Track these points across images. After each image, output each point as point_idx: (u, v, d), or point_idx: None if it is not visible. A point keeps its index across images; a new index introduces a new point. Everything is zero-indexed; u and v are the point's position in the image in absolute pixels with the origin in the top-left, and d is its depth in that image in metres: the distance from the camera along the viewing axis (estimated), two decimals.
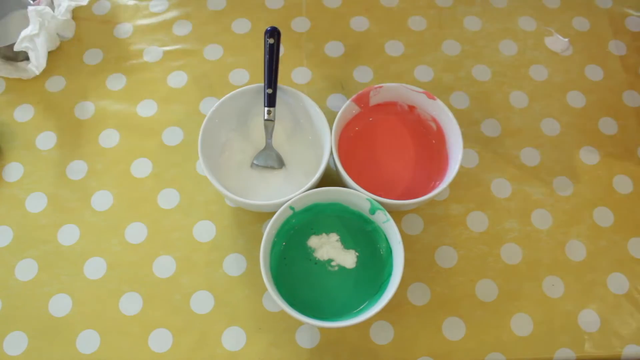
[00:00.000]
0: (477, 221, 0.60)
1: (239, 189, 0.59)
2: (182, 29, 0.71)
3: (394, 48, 0.70)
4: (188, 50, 0.70)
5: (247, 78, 0.68)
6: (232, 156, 0.61)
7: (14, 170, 0.63)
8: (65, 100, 0.67)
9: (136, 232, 0.60)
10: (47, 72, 0.68)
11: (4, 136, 0.64)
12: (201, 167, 0.62)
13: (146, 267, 0.58)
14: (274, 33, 0.59)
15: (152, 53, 0.69)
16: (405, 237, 0.58)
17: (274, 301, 0.51)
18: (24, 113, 0.66)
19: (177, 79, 0.68)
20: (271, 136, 0.60)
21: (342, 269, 0.55)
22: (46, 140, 0.64)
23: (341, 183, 0.57)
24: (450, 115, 0.58)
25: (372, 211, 0.55)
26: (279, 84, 0.60)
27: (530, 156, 0.64)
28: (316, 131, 0.60)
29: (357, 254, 0.56)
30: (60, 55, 0.69)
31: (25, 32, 0.63)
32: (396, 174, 0.60)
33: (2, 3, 0.69)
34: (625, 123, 0.66)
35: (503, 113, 0.66)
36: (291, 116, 0.62)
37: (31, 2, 0.68)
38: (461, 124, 0.58)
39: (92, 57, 0.69)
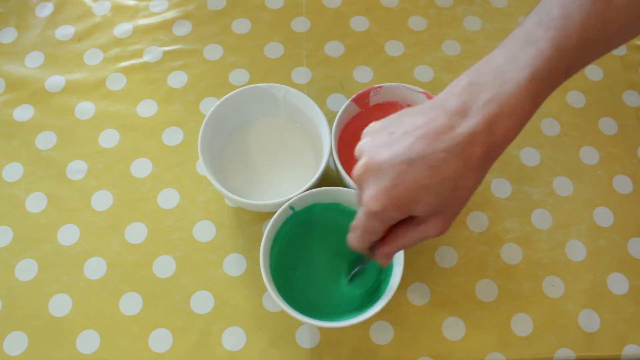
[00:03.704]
0: (477, 221, 0.60)
1: (239, 189, 0.59)
2: (182, 29, 0.71)
3: (394, 48, 0.70)
4: (188, 50, 0.69)
5: (247, 78, 0.68)
6: (232, 156, 0.61)
7: (14, 170, 0.63)
8: (66, 100, 0.67)
9: (136, 232, 0.60)
10: (47, 72, 0.68)
11: (4, 136, 0.64)
12: (201, 167, 0.62)
13: (146, 267, 0.58)
14: None
15: (152, 53, 0.69)
16: None
17: (274, 301, 0.51)
18: (23, 113, 0.66)
19: (177, 79, 0.68)
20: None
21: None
22: (46, 140, 0.64)
23: (341, 183, 0.57)
24: None
25: None
26: (278, 84, 0.60)
27: (530, 156, 0.64)
28: (316, 131, 0.60)
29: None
30: (60, 54, 0.69)
31: None
32: None
33: None
34: (625, 123, 0.66)
35: None
36: (291, 116, 0.62)
37: None
38: None
39: (92, 57, 0.69)
